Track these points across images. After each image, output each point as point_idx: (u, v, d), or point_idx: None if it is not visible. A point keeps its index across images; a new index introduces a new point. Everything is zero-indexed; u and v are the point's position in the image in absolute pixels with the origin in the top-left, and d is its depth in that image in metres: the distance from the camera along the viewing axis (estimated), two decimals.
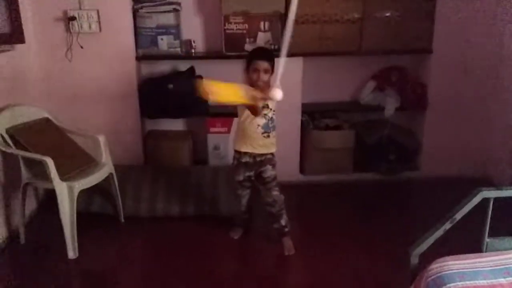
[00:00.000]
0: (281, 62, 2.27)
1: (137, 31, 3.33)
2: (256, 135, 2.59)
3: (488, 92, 3.48)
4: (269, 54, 2.62)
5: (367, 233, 2.92)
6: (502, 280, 1.44)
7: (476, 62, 3.42)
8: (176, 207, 3.08)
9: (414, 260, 1.59)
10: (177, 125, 3.73)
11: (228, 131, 3.53)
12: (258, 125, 2.57)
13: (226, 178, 3.25)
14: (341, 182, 3.56)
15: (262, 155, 2.63)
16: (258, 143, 2.60)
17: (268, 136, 2.60)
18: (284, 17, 3.36)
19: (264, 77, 2.51)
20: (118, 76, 3.32)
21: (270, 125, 2.58)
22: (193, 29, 3.53)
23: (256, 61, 2.51)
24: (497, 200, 1.57)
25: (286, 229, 2.72)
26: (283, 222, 2.71)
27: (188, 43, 3.49)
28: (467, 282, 1.43)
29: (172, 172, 3.31)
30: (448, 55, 3.41)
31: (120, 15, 3.23)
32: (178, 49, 3.41)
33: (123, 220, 3.02)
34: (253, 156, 2.62)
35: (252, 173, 2.67)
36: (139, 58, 3.37)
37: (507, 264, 1.50)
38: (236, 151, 2.67)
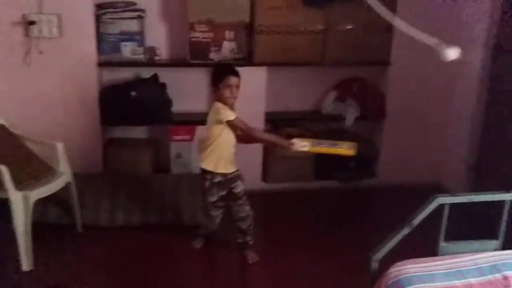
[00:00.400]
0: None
1: (99, 37, 3.28)
2: (231, 155, 2.61)
3: (441, 103, 3.65)
4: (237, 70, 2.65)
5: (329, 240, 2.98)
6: (456, 282, 1.51)
7: (431, 74, 3.57)
8: (137, 216, 3.03)
9: (375, 265, 1.64)
10: (139, 132, 3.68)
11: (192, 139, 3.51)
12: (232, 146, 2.61)
13: (188, 186, 3.24)
14: (303, 190, 3.62)
15: (232, 172, 2.64)
16: (230, 161, 2.63)
17: (235, 153, 2.63)
18: (249, 26, 3.41)
19: (236, 93, 2.55)
20: (78, 82, 3.24)
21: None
22: (158, 36, 3.50)
23: (230, 76, 2.53)
24: (452, 206, 1.65)
25: (250, 242, 2.74)
26: (249, 239, 2.73)
27: (152, 50, 3.46)
28: (424, 285, 1.49)
29: (133, 180, 3.26)
30: (406, 67, 3.55)
31: (82, 20, 3.17)
32: (142, 56, 3.38)
33: (81, 230, 2.94)
34: (225, 174, 2.62)
35: (225, 192, 2.66)
36: (101, 64, 3.31)
37: (461, 267, 1.58)
38: (208, 172, 2.62)
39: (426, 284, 1.49)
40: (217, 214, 2.73)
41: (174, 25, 3.54)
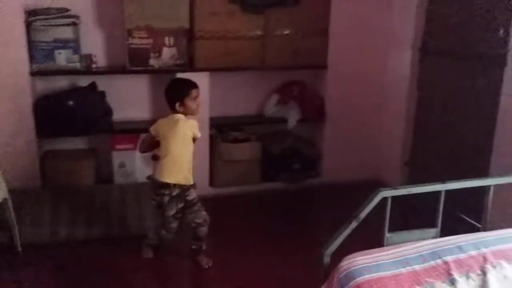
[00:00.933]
0: None
1: (31, 45, 3.12)
2: (188, 164, 2.60)
3: (376, 103, 3.84)
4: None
5: (279, 239, 3.03)
6: (402, 270, 1.61)
7: (366, 76, 3.76)
8: (81, 230, 2.92)
9: (327, 259, 1.70)
10: (78, 143, 3.55)
11: (135, 148, 3.43)
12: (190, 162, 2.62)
13: (134, 196, 3.18)
14: (251, 192, 3.66)
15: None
16: (190, 172, 2.62)
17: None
18: (189, 32, 3.40)
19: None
20: (10, 93, 3.08)
21: None
22: (94, 43, 3.41)
23: (194, 89, 2.58)
24: (394, 198, 1.75)
25: (203, 248, 2.74)
26: (203, 245, 2.72)
27: (89, 58, 3.35)
28: (373, 275, 1.57)
29: (74, 193, 3.13)
30: (342, 70, 3.70)
31: (12, 28, 3.02)
32: (78, 64, 3.26)
33: (20, 249, 2.77)
34: (183, 186, 2.60)
35: (182, 203, 2.64)
36: (34, 74, 3.15)
37: (406, 255, 1.68)
38: (166, 185, 2.56)
39: (375, 274, 1.57)
40: (175, 226, 2.70)
41: (111, 32, 3.45)
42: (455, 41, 3.17)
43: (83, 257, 2.79)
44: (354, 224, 1.70)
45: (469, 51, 3.02)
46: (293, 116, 3.71)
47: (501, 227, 1.90)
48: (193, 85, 2.59)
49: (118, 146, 3.41)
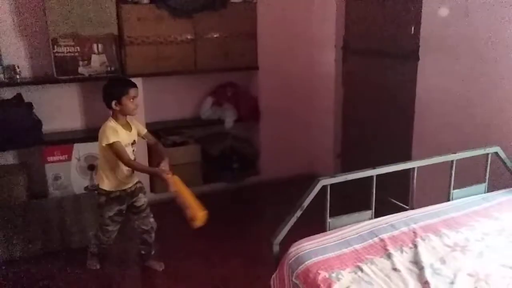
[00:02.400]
0: None
1: None
2: (125, 171, 2.57)
3: (307, 101, 4.03)
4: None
5: (227, 237, 3.11)
6: (345, 250, 1.75)
7: (294, 75, 3.94)
8: (18, 247, 2.80)
9: (276, 248, 1.80)
10: (7, 158, 3.37)
11: (69, 158, 3.33)
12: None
13: (72, 207, 3.08)
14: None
15: (131, 186, 2.62)
16: (127, 177, 2.59)
17: (133, 171, 2.61)
18: (118, 38, 3.36)
19: (138, 102, 2.59)
20: None
21: (133, 157, 2.60)
22: (17, 53, 3.27)
23: (132, 88, 2.53)
24: (331, 188, 1.88)
25: (153, 253, 2.75)
26: (152, 249, 2.73)
27: (12, 69, 3.20)
28: (320, 257, 1.69)
29: (7, 210, 2.97)
30: (272, 70, 3.85)
31: None
32: (1, 76, 3.11)
33: None
34: (124, 189, 2.58)
35: (124, 207, 2.61)
36: None
37: (347, 237, 1.82)
38: (107, 191, 2.56)
39: (321, 256, 1.70)
40: (115, 229, 2.66)
41: (34, 41, 3.33)
42: (372, 40, 3.43)
43: (22, 275, 2.68)
44: (298, 213, 1.82)
45: (386, 48, 3.28)
46: (229, 117, 3.79)
47: (425, 205, 2.11)
48: (131, 84, 2.56)
49: (51, 158, 3.28)
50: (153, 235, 2.70)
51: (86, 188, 3.43)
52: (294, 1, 3.83)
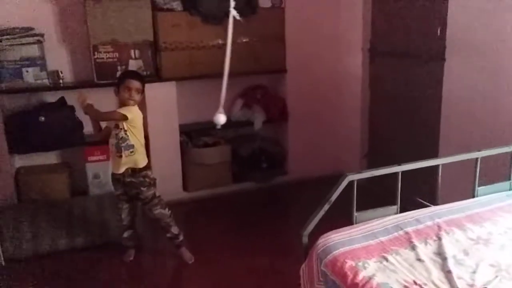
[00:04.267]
0: (223, 87, 2.50)
1: None
2: (113, 155, 2.72)
3: (334, 102, 4.12)
4: (141, 76, 2.80)
5: (256, 234, 3.23)
6: (371, 242, 1.84)
7: (322, 78, 4.04)
8: (63, 241, 3.00)
9: (305, 239, 1.91)
10: (50, 158, 3.60)
11: (108, 158, 3.50)
12: (112, 145, 2.72)
13: (111, 204, 3.25)
14: (223, 194, 3.83)
15: (128, 176, 2.74)
16: (117, 162, 2.72)
17: (121, 156, 2.69)
18: (153, 44, 3.55)
19: (136, 96, 2.65)
20: None
21: (122, 145, 2.68)
22: (60, 59, 3.49)
23: (128, 79, 2.65)
24: (358, 185, 1.98)
25: (180, 238, 2.87)
26: (174, 231, 2.84)
27: (56, 74, 3.43)
28: (346, 248, 1.79)
29: (52, 206, 3.19)
30: (300, 73, 3.96)
31: None
32: (46, 81, 3.33)
33: (3, 263, 2.82)
34: (122, 175, 2.74)
35: (121, 191, 2.79)
36: (2, 92, 3.20)
37: (373, 230, 1.91)
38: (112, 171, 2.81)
39: (348, 247, 1.79)
40: (124, 207, 2.84)
41: (76, 48, 3.55)
42: (398, 42, 3.50)
43: (66, 267, 2.87)
44: (326, 207, 1.92)
45: (412, 50, 3.34)
46: (258, 119, 3.91)
47: (450, 202, 2.18)
48: (129, 76, 2.70)
49: (91, 158, 3.49)
50: (162, 223, 2.81)
51: None
52: (321, 5, 3.93)
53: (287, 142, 4.11)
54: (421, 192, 3.15)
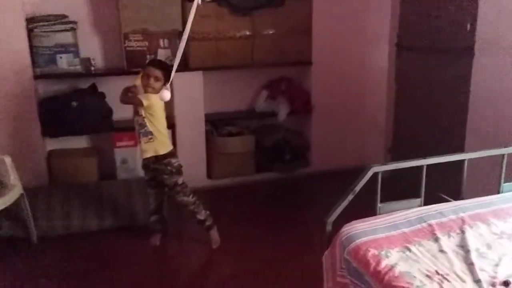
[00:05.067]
0: (174, 67, 2.58)
1: (33, 50, 3.29)
2: (141, 141, 2.80)
3: (358, 95, 4.12)
4: (163, 64, 2.85)
5: (277, 223, 3.29)
6: (393, 232, 1.87)
7: (347, 70, 4.04)
8: (92, 221, 3.11)
9: (329, 227, 1.95)
10: (79, 142, 3.72)
11: (135, 144, 3.58)
12: (138, 130, 2.79)
13: (138, 189, 3.35)
14: (246, 183, 3.89)
15: (153, 162, 2.81)
16: (140, 148, 2.82)
17: (140, 142, 2.78)
18: (181, 34, 3.61)
19: (155, 84, 2.68)
20: (16, 96, 3.24)
21: (140, 131, 2.76)
22: (92, 47, 3.59)
23: (148, 67, 2.72)
24: (383, 180, 2.01)
25: (208, 223, 2.93)
26: (200, 217, 2.91)
27: (88, 61, 3.53)
28: (369, 237, 1.83)
29: (82, 188, 3.31)
30: (325, 66, 3.97)
31: (14, 35, 3.19)
32: (79, 67, 3.44)
33: (36, 241, 2.95)
34: (148, 160, 2.82)
35: (154, 175, 2.87)
36: (37, 77, 3.32)
37: (396, 221, 1.94)
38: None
39: (371, 236, 1.83)
40: (151, 192, 2.93)
41: (107, 36, 3.65)
42: (427, 36, 3.47)
43: (95, 247, 2.99)
44: (350, 196, 1.96)
45: (441, 44, 3.32)
46: (282, 110, 3.95)
47: (474, 197, 2.19)
48: (151, 63, 2.77)
49: (119, 144, 3.60)
50: (189, 209, 2.87)
51: None
52: None
53: (311, 134, 4.14)
54: (443, 188, 3.13)
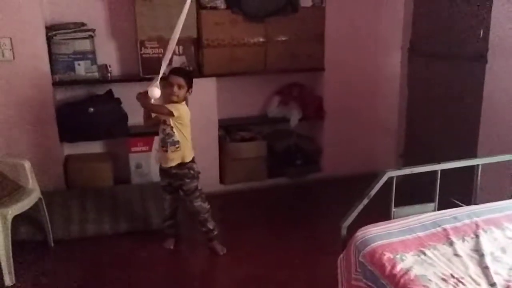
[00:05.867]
0: (163, 65, 2.64)
1: (53, 57, 3.37)
2: (159, 148, 2.85)
3: (371, 101, 4.14)
4: (184, 71, 2.91)
5: (288, 228, 3.31)
6: (408, 236, 1.90)
7: (359, 76, 4.06)
8: (108, 225, 3.16)
9: (344, 231, 1.98)
10: (95, 147, 3.78)
11: (150, 149, 3.69)
12: (159, 139, 2.84)
13: (152, 194, 3.41)
14: (258, 188, 3.93)
15: (174, 168, 2.84)
16: (164, 157, 2.83)
17: (166, 151, 2.79)
18: (196, 41, 3.68)
19: (179, 92, 2.73)
20: (35, 102, 3.31)
21: (168, 140, 2.78)
22: (109, 54, 3.66)
23: (172, 75, 2.76)
24: (398, 178, 2.03)
25: (214, 233, 2.96)
26: (210, 226, 2.95)
27: (104, 68, 3.60)
28: (384, 241, 1.86)
29: (98, 192, 3.37)
30: (338, 72, 4.00)
31: (34, 42, 3.26)
32: (96, 74, 3.51)
33: (53, 245, 3.01)
34: (165, 167, 2.86)
35: (168, 181, 2.90)
36: (56, 84, 3.39)
37: (410, 225, 1.97)
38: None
39: (386, 240, 1.86)
40: (167, 198, 2.96)
41: (124, 43, 3.71)
42: (440, 42, 3.49)
43: (110, 250, 3.03)
44: (365, 201, 1.99)
45: (454, 51, 3.34)
46: (294, 116, 3.99)
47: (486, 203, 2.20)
48: (173, 72, 2.79)
49: (134, 149, 3.66)
50: (201, 217, 2.90)
51: None
52: (362, 4, 3.96)
53: (323, 140, 4.17)
54: (455, 194, 3.15)
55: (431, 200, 2.16)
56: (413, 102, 3.87)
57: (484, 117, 3.04)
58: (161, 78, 2.69)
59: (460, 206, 2.68)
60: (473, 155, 3.07)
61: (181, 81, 2.74)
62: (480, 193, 2.25)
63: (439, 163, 2.12)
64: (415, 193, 2.58)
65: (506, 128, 2.85)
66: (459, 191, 3.09)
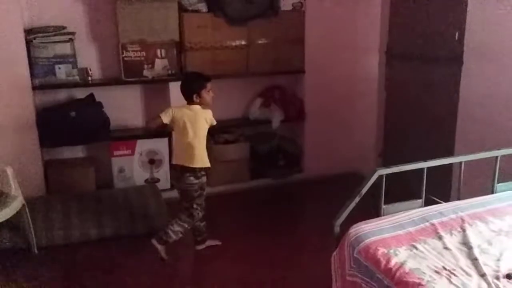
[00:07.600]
0: None
1: (32, 61, 3.30)
2: (198, 150, 2.87)
3: (350, 102, 4.24)
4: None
5: (272, 228, 3.36)
6: (399, 232, 1.97)
7: (339, 79, 4.15)
8: (92, 231, 3.11)
9: (337, 229, 2.03)
10: (76, 152, 3.73)
11: (132, 153, 3.67)
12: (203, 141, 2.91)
13: (136, 198, 3.39)
14: (241, 190, 3.95)
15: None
16: (193, 155, 2.85)
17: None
18: (179, 44, 3.68)
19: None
20: (14, 107, 3.24)
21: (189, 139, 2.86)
22: (89, 57, 3.62)
23: (208, 82, 2.87)
24: (387, 176, 2.10)
25: (170, 240, 2.86)
26: (174, 232, 2.84)
27: (85, 71, 3.56)
28: (377, 237, 1.92)
29: (81, 198, 3.32)
30: (318, 74, 4.08)
31: (13, 46, 3.19)
32: (77, 77, 3.47)
33: (36, 251, 2.95)
34: (181, 166, 2.86)
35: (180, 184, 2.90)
36: (36, 88, 3.33)
37: (401, 221, 2.04)
38: (204, 168, 2.88)
39: (379, 236, 1.92)
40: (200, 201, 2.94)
41: (105, 46, 3.68)
42: (416, 45, 3.61)
43: (94, 256, 2.99)
44: (357, 199, 2.04)
45: (430, 53, 3.46)
46: (276, 118, 4.03)
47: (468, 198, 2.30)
48: (207, 79, 2.87)
49: (116, 153, 3.63)
50: (182, 217, 2.87)
51: (146, 180, 3.76)
52: (341, 9, 4.05)
53: (304, 141, 4.23)
54: (434, 191, 3.27)
55: (419, 196, 2.24)
56: (391, 103, 3.98)
57: (460, 117, 3.17)
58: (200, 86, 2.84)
59: (438, 203, 2.79)
60: (450, 155, 3.19)
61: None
62: (462, 189, 2.34)
63: (425, 161, 2.20)
64: (392, 190, 2.68)
65: (482, 128, 2.98)
66: (437, 189, 3.21)
